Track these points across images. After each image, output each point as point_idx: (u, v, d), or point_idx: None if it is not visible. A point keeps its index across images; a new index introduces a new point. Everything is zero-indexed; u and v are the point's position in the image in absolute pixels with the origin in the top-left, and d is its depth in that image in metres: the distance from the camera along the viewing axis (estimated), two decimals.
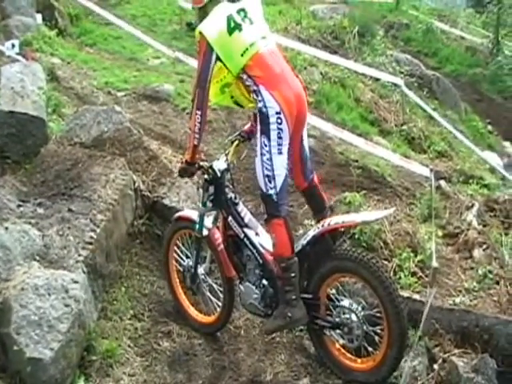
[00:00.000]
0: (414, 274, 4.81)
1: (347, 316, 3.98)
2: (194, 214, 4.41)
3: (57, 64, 8.39)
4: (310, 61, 9.85)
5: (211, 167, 4.16)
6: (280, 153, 3.86)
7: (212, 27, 3.87)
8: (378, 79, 10.24)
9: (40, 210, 4.60)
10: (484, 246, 5.22)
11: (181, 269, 4.64)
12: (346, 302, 4.02)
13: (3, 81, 5.67)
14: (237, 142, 4.31)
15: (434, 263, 4.40)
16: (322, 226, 3.96)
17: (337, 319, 4.02)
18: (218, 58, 3.88)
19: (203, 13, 4.09)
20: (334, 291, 4.11)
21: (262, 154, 3.87)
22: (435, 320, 4.22)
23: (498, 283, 4.69)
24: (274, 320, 4.08)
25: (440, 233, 5.46)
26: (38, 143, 5.38)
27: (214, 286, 4.54)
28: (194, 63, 8.54)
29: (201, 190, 4.31)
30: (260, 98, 3.83)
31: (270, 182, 3.88)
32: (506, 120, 12.57)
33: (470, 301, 4.52)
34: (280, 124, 3.82)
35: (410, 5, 16.16)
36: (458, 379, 3.87)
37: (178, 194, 5.33)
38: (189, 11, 11.14)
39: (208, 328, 4.61)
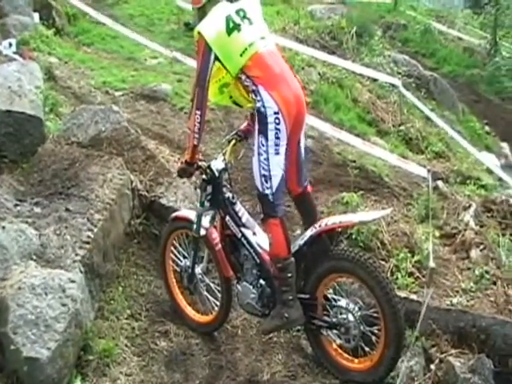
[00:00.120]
0: (411, 274, 4.81)
1: (344, 316, 3.98)
2: (191, 214, 4.41)
3: (54, 63, 8.37)
4: (308, 61, 9.87)
5: (209, 167, 4.16)
6: (277, 153, 3.86)
7: (210, 27, 3.87)
8: (375, 80, 10.27)
9: (37, 210, 4.59)
10: (481, 247, 5.23)
11: (178, 269, 4.63)
12: (342, 302, 4.02)
13: (0, 80, 5.65)
14: (234, 142, 4.30)
15: (431, 263, 4.41)
16: (320, 226, 3.96)
17: (334, 319, 4.02)
18: (216, 58, 3.88)
19: (202, 13, 4.08)
20: (331, 291, 4.11)
21: (259, 154, 3.87)
22: (432, 320, 4.22)
23: (494, 284, 4.69)
24: (271, 320, 4.08)
25: (437, 233, 5.46)
26: (35, 142, 5.37)
27: (212, 285, 4.54)
28: (191, 63, 8.56)
29: (198, 190, 4.30)
30: (259, 98, 3.83)
31: (266, 181, 3.87)
32: (503, 121, 12.60)
33: (467, 301, 4.52)
34: (278, 124, 3.81)
35: (407, 5, 16.21)
36: (454, 379, 3.87)
37: (176, 193, 5.33)
38: (187, 11, 11.15)
39: (205, 328, 4.61)
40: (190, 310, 4.67)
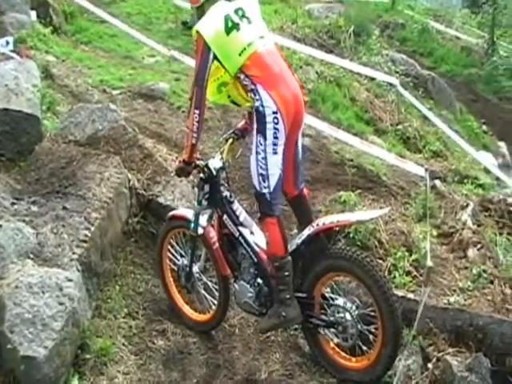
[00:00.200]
0: (408, 273, 4.82)
1: (341, 315, 3.98)
2: (188, 213, 4.40)
3: (51, 62, 8.34)
4: (306, 60, 9.85)
5: (207, 166, 4.15)
6: (275, 153, 3.85)
7: (209, 27, 3.86)
8: (373, 79, 10.26)
9: (34, 208, 4.59)
10: (478, 246, 5.23)
11: (175, 267, 4.63)
12: (340, 301, 4.03)
13: None
14: (231, 140, 4.30)
15: (429, 262, 4.42)
16: (317, 225, 3.96)
17: (331, 318, 4.02)
18: (215, 58, 3.87)
19: (201, 12, 4.06)
20: (328, 290, 4.12)
21: (257, 153, 3.87)
22: (429, 319, 4.23)
23: (492, 283, 4.70)
24: (269, 319, 4.09)
25: (435, 232, 5.47)
26: (32, 141, 5.36)
27: (209, 284, 4.54)
28: (189, 62, 8.54)
29: (196, 189, 4.30)
30: (257, 97, 3.82)
31: (263, 181, 3.87)
32: (500, 120, 12.61)
33: (465, 300, 4.53)
34: (276, 124, 3.81)
35: (405, 4, 16.20)
36: (452, 378, 3.88)
37: (173, 192, 5.33)
38: (184, 9, 11.13)
39: (203, 326, 4.61)
40: (187, 309, 4.67)
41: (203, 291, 4.56)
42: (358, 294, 4.13)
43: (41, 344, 3.59)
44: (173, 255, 4.66)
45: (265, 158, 3.84)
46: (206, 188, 4.20)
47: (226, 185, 4.28)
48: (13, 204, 4.59)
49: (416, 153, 8.88)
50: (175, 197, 5.29)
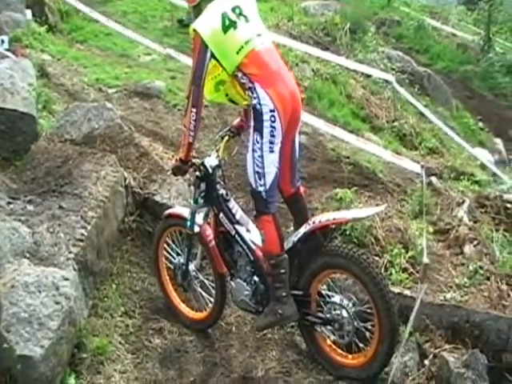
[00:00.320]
0: (404, 269, 4.83)
1: (338, 312, 3.98)
2: (184, 211, 4.40)
3: (47, 60, 8.33)
4: (302, 57, 9.86)
5: (203, 164, 4.15)
6: (272, 151, 3.85)
7: (206, 25, 3.84)
8: (369, 76, 10.27)
9: (30, 207, 4.58)
10: (475, 242, 5.25)
11: (171, 266, 4.63)
12: (336, 298, 4.03)
13: None
14: (227, 138, 4.30)
15: (425, 259, 4.41)
16: (313, 222, 3.96)
17: (328, 315, 4.02)
18: (212, 56, 3.86)
19: (198, 10, 4.04)
20: (324, 287, 4.12)
21: (253, 151, 3.86)
22: (426, 316, 4.24)
23: (488, 279, 4.71)
24: (265, 317, 4.08)
25: (431, 229, 5.48)
26: (28, 140, 5.35)
27: (206, 282, 4.53)
28: (185, 60, 8.53)
29: (192, 187, 4.30)
30: (255, 96, 3.81)
31: (259, 178, 3.87)
32: (496, 117, 12.66)
33: (461, 296, 4.54)
34: (273, 122, 3.80)
35: (401, 1, 16.25)
36: (448, 374, 3.89)
37: (169, 190, 5.32)
38: (180, 7, 11.12)
39: (199, 324, 4.61)
40: (183, 307, 4.67)
41: (200, 289, 4.56)
42: (355, 291, 4.13)
43: (37, 343, 3.58)
44: (169, 253, 4.65)
45: (261, 156, 3.84)
46: (202, 186, 4.19)
47: (222, 183, 4.27)
48: (9, 203, 4.58)
49: (412, 150, 8.90)
50: (171, 195, 5.29)
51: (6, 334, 3.59)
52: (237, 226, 4.17)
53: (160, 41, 10.34)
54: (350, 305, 3.98)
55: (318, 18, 12.35)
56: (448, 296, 4.54)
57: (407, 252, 4.97)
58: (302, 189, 4.33)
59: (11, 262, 4.04)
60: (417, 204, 5.82)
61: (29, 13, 9.57)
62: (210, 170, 4.15)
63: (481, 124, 12.15)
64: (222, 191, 4.22)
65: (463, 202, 5.93)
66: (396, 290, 4.42)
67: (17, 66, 5.99)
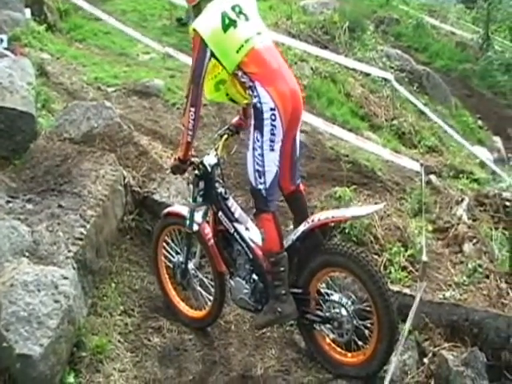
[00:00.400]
0: (404, 268, 4.83)
1: (337, 310, 3.98)
2: (183, 210, 4.40)
3: (46, 59, 8.32)
4: (301, 56, 9.85)
5: (202, 162, 4.15)
6: (272, 149, 3.84)
7: (206, 24, 3.84)
8: (368, 74, 10.26)
9: (29, 206, 4.58)
10: (474, 241, 5.25)
11: (170, 265, 4.63)
12: (335, 297, 4.03)
13: None
14: (226, 136, 4.30)
15: (424, 257, 4.42)
16: (312, 221, 3.96)
17: (327, 314, 4.02)
18: (212, 55, 3.85)
19: (197, 10, 4.04)
20: (323, 286, 4.12)
21: (253, 149, 3.86)
22: (425, 314, 4.24)
23: (487, 277, 4.71)
24: (264, 315, 4.08)
25: (430, 227, 5.49)
26: (27, 139, 5.35)
27: (205, 280, 4.54)
28: (184, 58, 8.53)
29: (191, 186, 4.29)
30: (255, 94, 3.80)
31: (259, 177, 3.87)
32: (495, 115, 12.66)
33: (460, 295, 4.54)
34: (274, 121, 3.80)
35: (400, 0, 16.19)
36: (447, 373, 3.89)
37: (168, 189, 5.32)
38: (179, 6, 11.11)
39: (198, 323, 4.61)
40: (183, 306, 4.67)
41: (199, 288, 4.56)
42: (354, 290, 4.13)
43: (36, 342, 3.58)
44: (168, 252, 4.65)
45: (261, 155, 3.83)
46: (201, 185, 4.19)
47: (221, 181, 4.27)
48: (8, 202, 4.58)
49: (411, 148, 8.90)
50: (170, 194, 5.29)
51: (6, 333, 3.60)
52: (236, 225, 4.17)
53: (159, 39, 10.32)
54: (349, 303, 3.98)
55: (317, 17, 12.32)
56: (447, 294, 4.54)
57: (406, 250, 4.97)
58: (302, 186, 4.33)
59: (10, 260, 4.04)
60: (416, 202, 5.82)
61: (28, 12, 9.56)
62: (209, 169, 4.15)
63: (480, 122, 12.15)
64: (221, 190, 4.22)
65: (462, 200, 5.94)
66: (395, 288, 4.41)
67: (16, 65, 5.99)
